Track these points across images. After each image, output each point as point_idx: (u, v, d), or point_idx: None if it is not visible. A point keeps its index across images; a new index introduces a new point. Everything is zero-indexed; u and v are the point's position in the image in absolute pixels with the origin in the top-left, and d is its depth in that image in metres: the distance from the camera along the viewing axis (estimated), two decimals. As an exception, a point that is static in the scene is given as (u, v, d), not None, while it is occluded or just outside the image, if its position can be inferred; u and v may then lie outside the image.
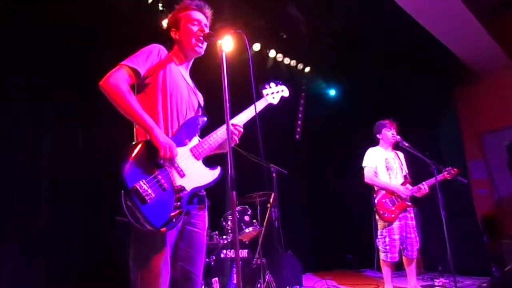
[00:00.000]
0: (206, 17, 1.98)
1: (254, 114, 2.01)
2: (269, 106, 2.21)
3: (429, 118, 6.16)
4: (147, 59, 1.76)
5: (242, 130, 1.96)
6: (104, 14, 3.93)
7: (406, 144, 3.93)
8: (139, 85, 1.79)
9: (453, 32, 5.02)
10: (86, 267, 3.63)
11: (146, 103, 1.76)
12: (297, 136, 6.71)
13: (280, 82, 2.29)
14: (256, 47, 5.47)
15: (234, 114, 1.94)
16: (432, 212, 4.12)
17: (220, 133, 1.88)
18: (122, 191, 1.51)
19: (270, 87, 2.23)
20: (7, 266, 3.27)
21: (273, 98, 2.22)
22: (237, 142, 1.96)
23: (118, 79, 1.65)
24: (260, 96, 2.19)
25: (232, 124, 1.90)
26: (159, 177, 1.61)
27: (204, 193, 1.89)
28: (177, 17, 1.95)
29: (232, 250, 3.56)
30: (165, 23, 4.03)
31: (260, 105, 2.14)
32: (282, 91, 2.27)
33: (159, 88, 1.77)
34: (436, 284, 4.80)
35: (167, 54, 1.87)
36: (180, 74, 1.90)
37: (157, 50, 1.81)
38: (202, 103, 2.07)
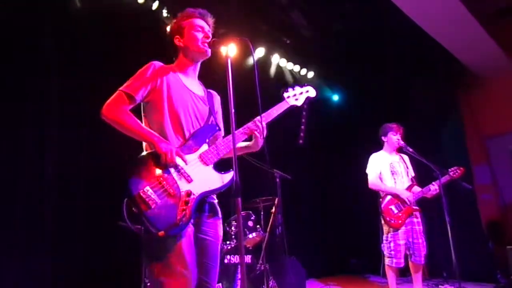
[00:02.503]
0: (209, 25, 2.01)
1: (273, 117, 2.05)
2: (291, 108, 2.19)
3: (433, 123, 6.15)
4: (143, 81, 1.80)
5: (263, 126, 1.97)
6: (110, 20, 3.97)
7: (410, 150, 3.91)
8: (144, 105, 1.86)
9: (456, 37, 5.03)
10: (91, 270, 3.64)
11: (152, 121, 1.83)
12: (301, 141, 6.70)
13: (306, 84, 2.28)
14: (260, 52, 5.50)
15: (240, 119, 1.94)
16: (437, 218, 4.10)
17: (230, 139, 1.89)
18: (126, 199, 1.56)
19: (293, 90, 2.22)
20: (13, 267, 3.28)
21: (296, 100, 2.20)
22: (263, 135, 1.97)
23: (116, 105, 1.75)
24: (280, 100, 2.18)
25: (253, 122, 1.96)
26: (164, 183, 1.65)
27: (216, 201, 1.91)
28: (181, 25, 1.97)
29: (236, 256, 3.55)
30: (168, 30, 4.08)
31: (280, 108, 2.13)
32: (307, 91, 2.25)
33: (162, 105, 1.82)
34: (441, 290, 4.77)
35: (166, 69, 1.90)
36: (183, 86, 1.91)
37: (151, 69, 1.84)
38: (218, 105, 2.10)
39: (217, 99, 2.11)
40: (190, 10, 2.00)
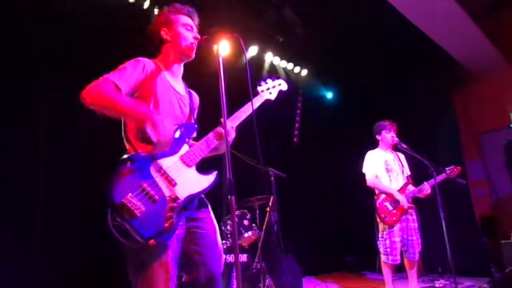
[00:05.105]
0: (195, 25, 1.98)
1: (248, 114, 1.98)
2: (267, 102, 2.17)
3: (427, 119, 6.17)
4: (131, 76, 1.72)
5: (232, 128, 1.91)
6: (100, 20, 3.93)
7: (405, 146, 3.92)
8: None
9: (449, 33, 5.05)
10: (82, 275, 3.60)
11: None
12: (295, 140, 6.70)
13: (277, 77, 2.26)
14: (253, 50, 5.48)
15: (230, 115, 1.93)
16: (431, 213, 4.12)
17: (211, 138, 1.85)
18: (110, 208, 1.49)
19: (266, 83, 2.20)
20: (4, 274, 3.24)
21: (270, 93, 2.19)
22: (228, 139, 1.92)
23: (100, 88, 1.61)
24: (255, 94, 2.15)
25: (220, 127, 1.87)
26: (148, 189, 1.58)
27: (203, 195, 1.87)
28: (170, 18, 1.92)
29: (231, 255, 3.54)
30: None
31: (256, 102, 2.10)
32: (279, 85, 2.24)
33: (148, 104, 1.74)
34: (437, 285, 4.79)
35: (153, 65, 1.84)
36: (169, 86, 1.87)
37: (141, 66, 1.77)
38: (196, 105, 2.05)
39: (196, 99, 2.07)
40: (179, 6, 1.96)
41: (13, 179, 3.43)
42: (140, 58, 1.81)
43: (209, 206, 1.89)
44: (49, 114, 3.73)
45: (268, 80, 2.22)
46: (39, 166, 3.59)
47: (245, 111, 1.98)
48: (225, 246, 3.62)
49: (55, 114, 3.74)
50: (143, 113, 1.61)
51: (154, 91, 1.77)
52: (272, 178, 3.93)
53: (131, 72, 1.73)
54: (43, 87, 3.72)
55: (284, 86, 2.26)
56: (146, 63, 1.80)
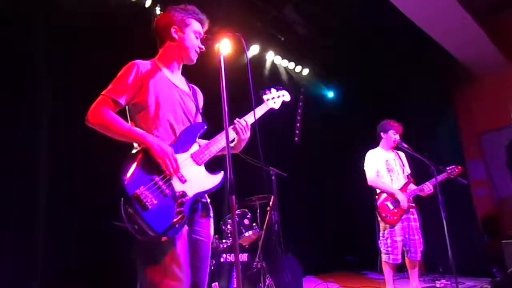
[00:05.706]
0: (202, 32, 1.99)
1: (254, 119, 2.00)
2: (271, 111, 2.23)
3: (428, 119, 6.16)
4: (126, 84, 1.73)
5: (247, 126, 1.95)
6: (101, 18, 3.92)
7: (406, 146, 3.91)
8: (130, 107, 1.79)
9: (450, 33, 5.03)
10: (82, 275, 3.60)
11: (140, 123, 1.77)
12: (296, 139, 6.69)
13: (281, 88, 2.32)
14: (254, 49, 5.47)
15: (233, 117, 1.93)
16: (432, 213, 4.11)
17: (221, 138, 1.87)
18: (122, 199, 1.51)
19: (270, 93, 2.26)
20: (4, 273, 3.24)
21: (274, 103, 2.25)
22: (244, 137, 1.96)
23: (100, 109, 1.68)
24: (260, 102, 2.20)
25: (236, 120, 1.92)
26: (160, 183, 1.61)
27: (208, 200, 1.89)
28: (183, 20, 1.91)
29: (232, 254, 3.53)
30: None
31: (261, 110, 2.16)
32: (283, 95, 2.30)
33: (149, 106, 1.76)
34: (438, 285, 4.78)
35: (149, 65, 1.83)
36: (169, 83, 1.86)
37: (135, 70, 1.76)
38: (201, 103, 2.06)
39: (200, 95, 2.08)
40: (194, 10, 1.96)
41: (13, 179, 3.42)
42: (135, 62, 1.80)
43: (212, 215, 1.90)
44: (49, 113, 3.72)
45: (273, 90, 2.27)
46: (39, 166, 3.58)
47: (251, 116, 2.01)
48: (225, 246, 3.62)
49: (55, 113, 3.74)
50: (138, 137, 1.66)
51: (154, 92, 1.77)
52: (273, 178, 3.93)
53: (127, 81, 1.74)
54: (43, 87, 3.71)
55: (287, 97, 2.32)
56: (140, 66, 1.79)
